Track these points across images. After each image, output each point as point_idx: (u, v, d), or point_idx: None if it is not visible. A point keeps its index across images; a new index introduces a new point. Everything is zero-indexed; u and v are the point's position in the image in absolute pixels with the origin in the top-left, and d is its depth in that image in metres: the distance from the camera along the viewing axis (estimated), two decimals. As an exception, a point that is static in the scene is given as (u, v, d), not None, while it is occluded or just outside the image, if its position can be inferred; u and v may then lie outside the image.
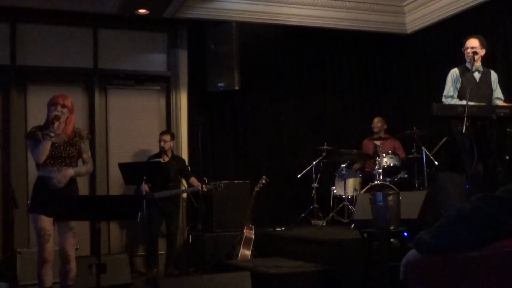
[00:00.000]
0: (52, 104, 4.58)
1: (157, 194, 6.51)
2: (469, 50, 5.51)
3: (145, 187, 6.19)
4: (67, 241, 4.55)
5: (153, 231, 6.63)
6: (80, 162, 4.77)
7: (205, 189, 6.29)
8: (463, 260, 1.70)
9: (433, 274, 1.79)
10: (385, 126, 7.70)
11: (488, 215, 1.67)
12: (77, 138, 4.67)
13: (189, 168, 7.07)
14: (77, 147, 4.66)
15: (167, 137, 6.86)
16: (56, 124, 4.49)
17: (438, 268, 1.77)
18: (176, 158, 7.00)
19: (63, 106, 4.57)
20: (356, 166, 7.54)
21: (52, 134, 4.48)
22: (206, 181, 6.46)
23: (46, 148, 4.46)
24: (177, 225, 6.92)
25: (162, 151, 6.82)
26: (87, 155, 4.77)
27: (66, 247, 4.54)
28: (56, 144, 4.56)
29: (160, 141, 6.85)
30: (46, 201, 4.44)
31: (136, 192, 6.45)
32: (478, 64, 5.59)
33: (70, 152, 4.61)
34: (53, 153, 4.52)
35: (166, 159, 6.76)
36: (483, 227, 1.67)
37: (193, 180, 6.79)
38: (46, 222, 4.47)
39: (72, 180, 4.65)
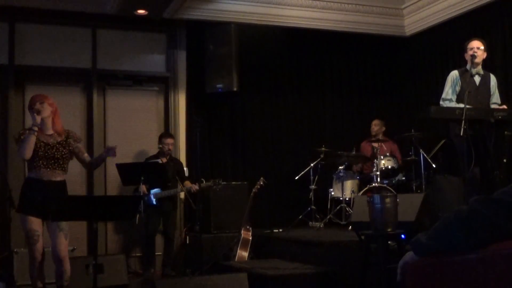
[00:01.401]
0: (31, 104, 4.61)
1: (154, 194, 6.52)
2: (475, 50, 5.49)
3: (143, 188, 6.19)
4: (58, 243, 4.53)
5: (150, 231, 6.63)
6: (71, 163, 4.79)
7: (196, 188, 6.40)
8: (460, 262, 1.69)
9: (431, 276, 1.79)
10: (384, 129, 7.70)
11: (485, 217, 1.66)
12: (70, 140, 4.69)
13: (185, 172, 7.08)
14: (70, 148, 4.68)
15: (171, 140, 6.86)
16: (38, 118, 4.49)
17: (435, 270, 1.77)
18: (174, 160, 7.00)
19: (41, 102, 4.59)
20: (356, 167, 7.55)
21: (35, 128, 4.47)
22: (204, 182, 6.48)
23: (30, 142, 4.44)
24: (174, 226, 6.92)
25: (165, 154, 6.79)
26: (86, 154, 4.86)
27: (57, 248, 4.53)
28: (50, 145, 4.57)
29: (162, 144, 6.80)
30: (34, 202, 4.46)
31: (135, 193, 6.46)
32: (478, 67, 5.58)
33: (63, 153, 4.62)
34: (46, 153, 4.52)
35: (164, 160, 6.75)
36: (481, 229, 1.67)
37: (187, 183, 6.78)
38: (35, 222, 4.46)
39: (63, 182, 4.67)
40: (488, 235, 1.66)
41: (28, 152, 4.44)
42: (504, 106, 5.46)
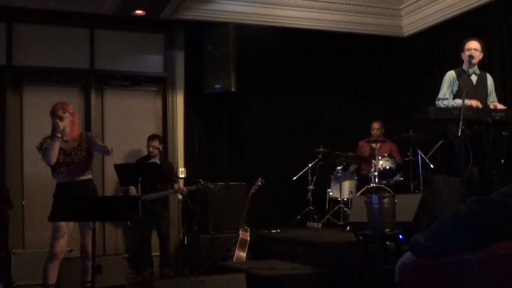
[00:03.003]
0: (53, 111, 4.77)
1: (145, 197, 6.51)
2: (472, 51, 5.49)
3: (133, 190, 6.19)
4: (87, 238, 4.70)
5: (145, 232, 6.64)
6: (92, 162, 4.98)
7: (184, 191, 6.60)
8: (458, 263, 1.70)
9: (428, 276, 1.79)
10: (383, 130, 7.68)
11: (483, 218, 1.67)
12: (85, 142, 4.85)
13: (179, 173, 7.13)
14: (87, 150, 4.83)
15: (155, 143, 6.85)
16: (61, 124, 4.63)
17: (433, 271, 1.77)
18: (165, 161, 6.99)
19: (64, 110, 4.76)
20: (352, 167, 7.55)
21: (59, 135, 4.63)
22: (201, 182, 6.48)
23: (54, 147, 4.62)
24: (167, 225, 6.94)
25: (151, 156, 6.81)
26: (101, 143, 5.02)
27: (86, 243, 4.71)
28: (67, 151, 4.72)
29: (148, 146, 6.84)
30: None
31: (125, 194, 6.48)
32: (475, 67, 5.59)
33: (81, 156, 4.78)
34: (66, 159, 4.70)
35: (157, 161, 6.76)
36: (478, 230, 1.67)
37: (176, 186, 6.79)
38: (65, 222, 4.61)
39: (89, 180, 4.82)
40: (485, 235, 1.66)
41: (54, 158, 4.63)
42: (502, 106, 5.44)
